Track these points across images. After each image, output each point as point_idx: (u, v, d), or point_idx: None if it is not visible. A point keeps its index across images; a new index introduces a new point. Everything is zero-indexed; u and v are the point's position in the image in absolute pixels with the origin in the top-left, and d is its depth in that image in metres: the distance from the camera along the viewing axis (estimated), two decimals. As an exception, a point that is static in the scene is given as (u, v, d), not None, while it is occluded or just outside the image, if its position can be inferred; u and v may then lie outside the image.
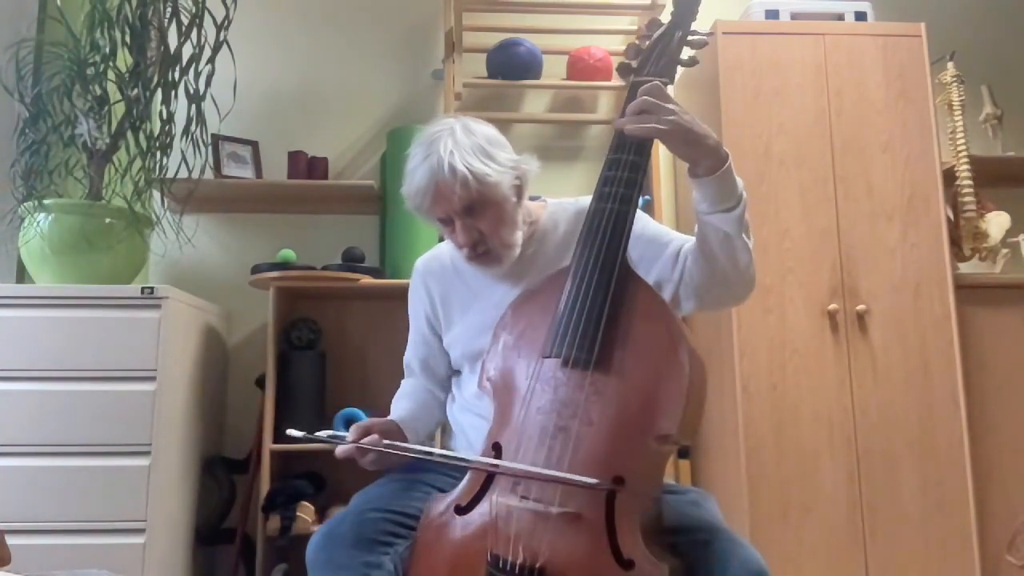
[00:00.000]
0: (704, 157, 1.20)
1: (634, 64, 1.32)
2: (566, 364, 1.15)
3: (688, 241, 1.38)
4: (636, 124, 1.17)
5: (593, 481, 1.03)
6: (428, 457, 1.24)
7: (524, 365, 1.20)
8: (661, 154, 2.89)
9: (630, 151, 1.25)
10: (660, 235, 1.43)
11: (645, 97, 1.17)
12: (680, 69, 1.34)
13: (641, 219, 1.41)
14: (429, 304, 1.54)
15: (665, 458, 1.21)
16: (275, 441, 2.41)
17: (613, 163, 1.26)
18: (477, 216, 1.36)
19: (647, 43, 1.34)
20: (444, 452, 1.27)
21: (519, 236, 1.41)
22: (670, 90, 1.23)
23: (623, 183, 1.23)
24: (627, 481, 1.06)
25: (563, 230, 1.46)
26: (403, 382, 1.60)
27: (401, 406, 1.50)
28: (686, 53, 1.32)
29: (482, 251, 1.39)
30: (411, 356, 1.59)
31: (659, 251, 1.40)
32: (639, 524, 1.04)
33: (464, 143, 1.34)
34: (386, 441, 1.27)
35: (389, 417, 1.44)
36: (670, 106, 1.17)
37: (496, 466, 1.14)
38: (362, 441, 1.27)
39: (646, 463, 1.10)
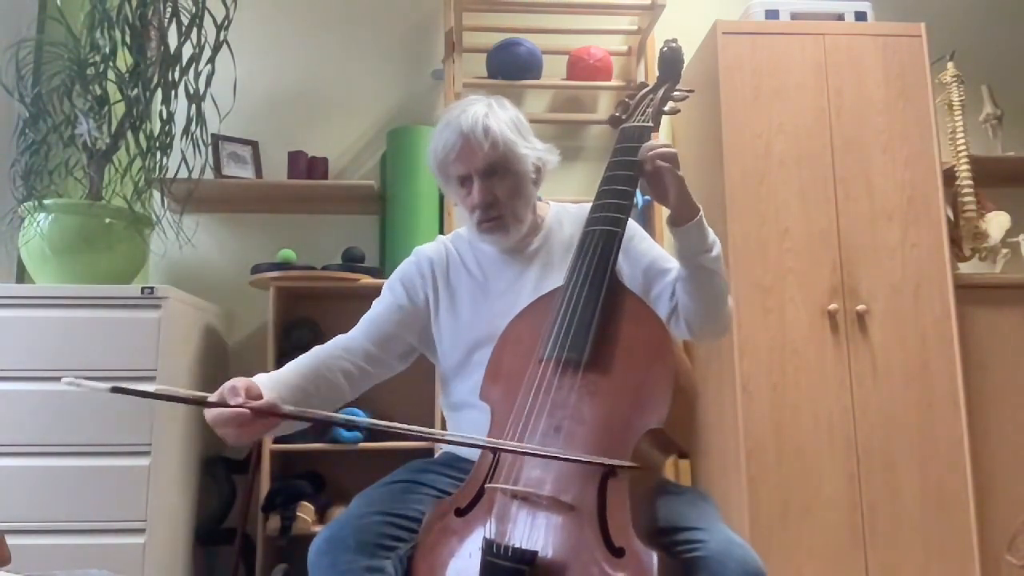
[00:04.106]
0: (688, 209, 1.34)
1: (623, 116, 1.46)
2: (559, 365, 1.21)
3: None
4: (662, 163, 1.30)
5: (587, 458, 1.09)
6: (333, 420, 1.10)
7: (520, 372, 1.24)
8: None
9: (620, 183, 1.35)
10: (660, 260, 1.49)
11: (672, 150, 1.32)
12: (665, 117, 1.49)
13: (645, 240, 1.52)
14: (430, 286, 1.50)
15: (657, 453, 1.23)
16: (275, 441, 2.41)
17: (604, 193, 1.36)
18: (497, 179, 1.42)
19: (635, 99, 1.49)
20: (381, 423, 1.12)
21: (528, 216, 1.48)
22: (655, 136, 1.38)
23: (612, 208, 1.33)
24: (618, 473, 1.10)
25: (568, 231, 1.52)
26: (323, 346, 1.41)
27: (300, 371, 1.32)
28: (669, 105, 1.47)
29: (494, 215, 1.43)
30: (370, 327, 1.45)
31: (657, 277, 1.47)
32: (631, 514, 1.07)
33: (499, 113, 1.44)
34: (290, 407, 1.15)
35: (281, 371, 1.32)
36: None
37: (498, 444, 1.17)
38: (254, 404, 1.10)
39: (636, 457, 1.13)
